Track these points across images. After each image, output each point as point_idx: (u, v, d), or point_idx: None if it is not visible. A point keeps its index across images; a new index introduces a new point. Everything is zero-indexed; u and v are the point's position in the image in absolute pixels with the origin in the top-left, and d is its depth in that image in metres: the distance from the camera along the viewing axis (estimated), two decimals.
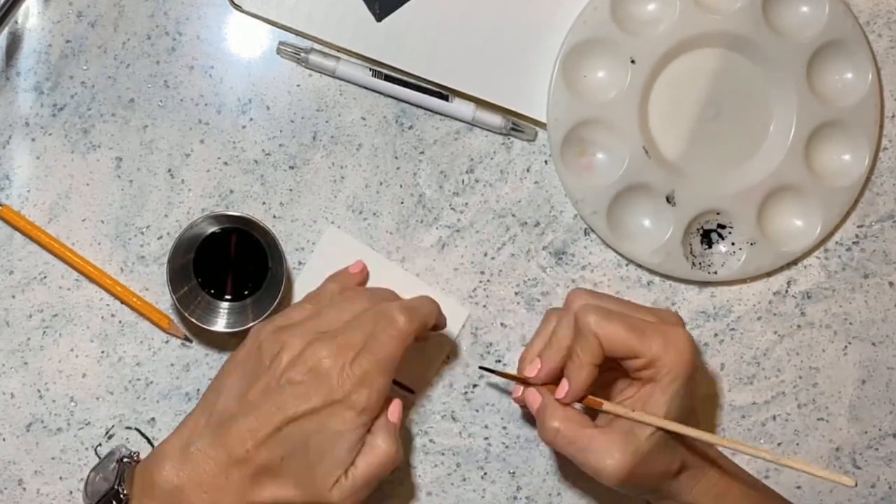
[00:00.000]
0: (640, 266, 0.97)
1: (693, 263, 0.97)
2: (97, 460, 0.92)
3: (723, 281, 0.98)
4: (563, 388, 0.86)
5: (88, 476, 0.87)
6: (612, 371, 0.88)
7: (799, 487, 1.00)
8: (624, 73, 0.95)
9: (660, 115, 0.96)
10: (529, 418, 0.97)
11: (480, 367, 0.92)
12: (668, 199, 0.96)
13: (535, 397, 0.87)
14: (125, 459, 0.86)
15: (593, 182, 0.95)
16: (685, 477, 0.87)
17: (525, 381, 0.88)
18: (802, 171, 0.97)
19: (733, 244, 0.97)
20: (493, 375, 0.94)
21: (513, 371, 0.94)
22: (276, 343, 0.85)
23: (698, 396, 0.89)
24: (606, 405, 0.84)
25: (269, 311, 0.90)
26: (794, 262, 0.99)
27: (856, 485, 0.81)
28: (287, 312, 0.89)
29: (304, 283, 0.95)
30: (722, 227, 0.97)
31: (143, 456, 0.88)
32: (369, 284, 0.95)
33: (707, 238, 0.97)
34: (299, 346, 0.84)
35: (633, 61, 0.95)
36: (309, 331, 0.85)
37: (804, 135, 0.96)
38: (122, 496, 0.83)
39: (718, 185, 0.97)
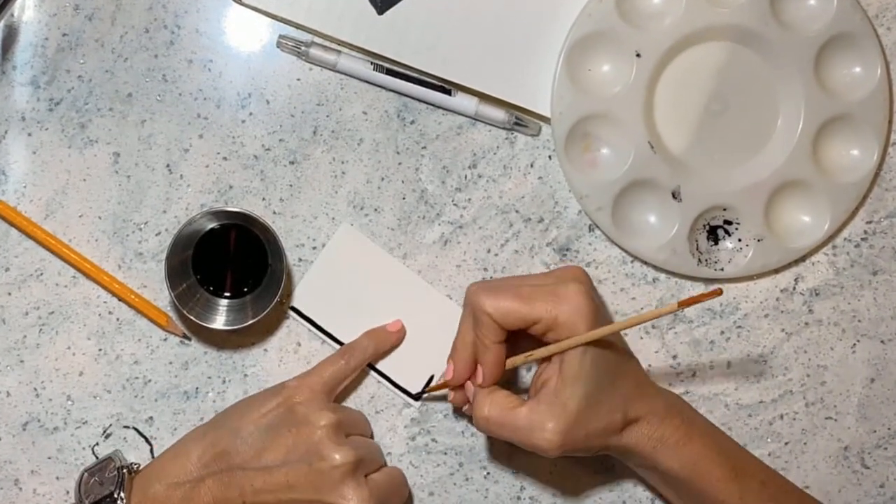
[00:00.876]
0: (645, 263, 0.97)
1: (699, 260, 0.96)
2: (94, 460, 0.93)
3: (729, 278, 0.97)
4: (479, 374, 0.87)
5: (82, 475, 0.88)
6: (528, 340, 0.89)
7: (807, 487, 0.99)
8: (629, 66, 0.94)
9: (665, 109, 0.95)
10: None
11: (416, 397, 0.95)
12: (674, 195, 0.95)
13: (460, 397, 0.90)
14: (125, 469, 0.88)
15: (598, 178, 0.95)
16: (636, 429, 0.88)
17: (448, 386, 0.90)
18: (810, 167, 0.96)
19: (740, 240, 0.97)
20: (430, 396, 0.96)
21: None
22: (312, 413, 0.88)
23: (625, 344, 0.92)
24: (525, 355, 0.86)
25: (268, 309, 0.89)
26: (802, 259, 0.98)
27: (680, 309, 0.82)
28: (321, 371, 0.92)
29: (311, 278, 0.95)
30: (728, 223, 0.97)
31: (143, 463, 0.90)
32: (378, 287, 0.95)
33: (713, 234, 0.97)
34: (328, 434, 0.87)
35: (638, 55, 0.94)
36: (339, 428, 0.88)
37: (812, 129, 0.96)
38: (119, 503, 0.86)
39: (725, 180, 0.96)
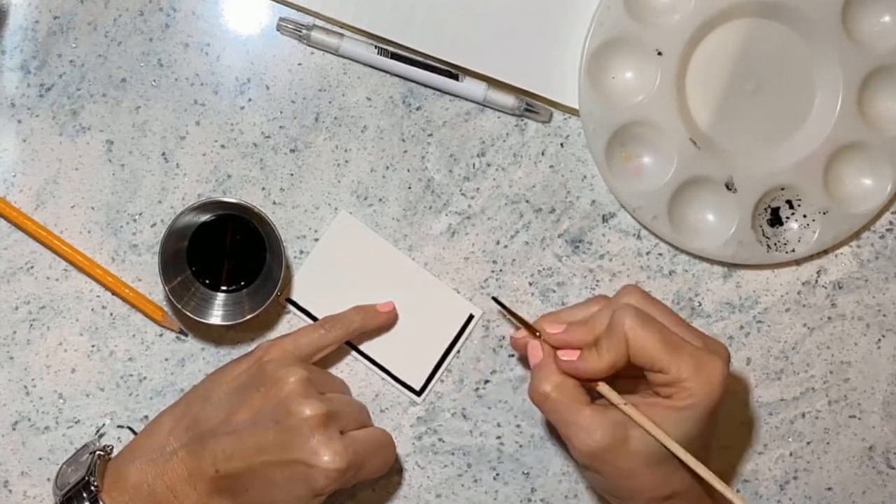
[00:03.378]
0: (715, 262, 0.96)
1: (768, 246, 0.96)
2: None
3: (803, 257, 0.96)
4: (571, 355, 0.83)
5: (60, 468, 0.87)
6: (635, 380, 0.85)
7: (830, 489, 0.99)
8: (653, 67, 0.93)
9: (700, 101, 0.95)
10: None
11: (493, 298, 0.91)
12: (728, 187, 0.95)
13: (537, 351, 0.86)
14: (98, 452, 0.86)
15: (646, 187, 0.94)
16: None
17: (535, 333, 0.86)
18: (860, 126, 0.95)
19: (805, 217, 0.96)
20: (505, 313, 0.92)
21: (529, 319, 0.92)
22: (280, 370, 0.86)
23: (713, 444, 0.88)
24: (620, 399, 0.83)
25: (266, 303, 0.89)
26: (866, 228, 0.98)
27: None
28: (298, 335, 0.90)
29: (309, 270, 0.94)
30: (789, 202, 0.96)
31: (116, 451, 0.89)
32: (379, 275, 0.94)
33: (777, 217, 0.96)
34: (297, 389, 0.85)
35: (659, 53, 0.93)
36: (310, 383, 0.86)
37: (853, 88, 0.94)
38: (92, 487, 0.84)
39: (776, 159, 0.95)
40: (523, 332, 0.87)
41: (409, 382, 0.95)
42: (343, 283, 0.94)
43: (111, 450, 0.88)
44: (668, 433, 0.81)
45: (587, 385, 0.84)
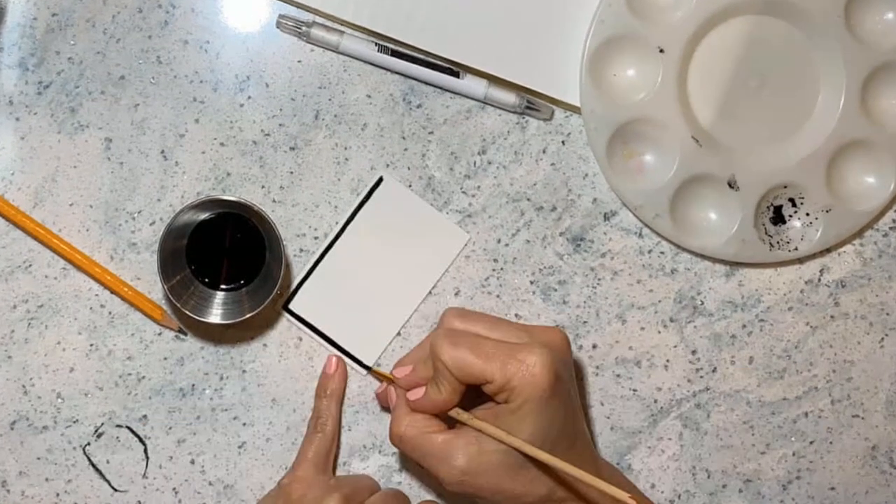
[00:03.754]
0: (717, 260, 0.96)
1: (771, 245, 0.95)
2: (90, 461, 0.93)
3: (806, 255, 0.96)
4: (417, 393, 0.85)
5: None
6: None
7: (833, 489, 0.98)
8: (655, 64, 0.93)
9: (702, 99, 0.94)
10: None
11: (365, 368, 0.95)
12: (731, 185, 0.94)
13: (392, 396, 0.88)
14: None
15: (648, 185, 0.94)
16: None
17: (392, 382, 0.88)
18: (864, 124, 0.94)
19: (808, 215, 0.95)
20: (372, 375, 0.95)
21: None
22: (318, 501, 0.88)
23: (577, 423, 0.86)
24: (469, 416, 0.84)
25: (266, 302, 0.88)
26: (869, 226, 0.98)
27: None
28: (303, 454, 0.93)
29: (353, 235, 0.94)
30: (792, 200, 0.95)
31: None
32: (419, 236, 0.95)
33: (779, 215, 0.96)
34: None
35: (661, 50, 0.93)
36: (348, 501, 0.88)
37: (857, 85, 0.94)
38: None
39: (779, 157, 0.95)
40: (384, 386, 0.90)
41: (360, 357, 0.95)
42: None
43: None
44: (518, 436, 0.81)
45: (445, 415, 0.85)
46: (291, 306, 0.94)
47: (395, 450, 0.95)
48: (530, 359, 0.81)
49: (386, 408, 0.93)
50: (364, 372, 0.95)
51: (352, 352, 0.95)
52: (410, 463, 0.95)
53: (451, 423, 0.85)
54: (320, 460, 0.92)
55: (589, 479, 0.77)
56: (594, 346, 0.95)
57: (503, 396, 0.82)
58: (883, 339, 0.98)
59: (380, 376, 0.92)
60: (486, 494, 0.83)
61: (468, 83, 0.93)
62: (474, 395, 0.84)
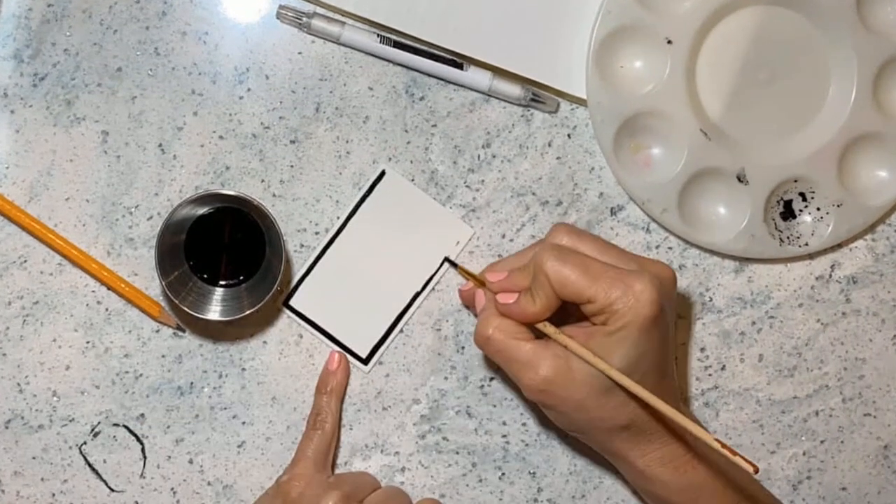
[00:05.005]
0: (726, 256, 0.96)
1: (781, 240, 0.95)
2: (87, 461, 0.93)
3: (817, 251, 0.96)
4: (509, 298, 0.85)
5: None
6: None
7: (844, 489, 0.98)
8: (662, 56, 0.92)
9: (711, 91, 0.94)
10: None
11: (446, 259, 0.94)
12: (740, 179, 0.94)
13: (480, 298, 0.88)
14: None
15: (655, 179, 0.93)
16: (632, 436, 0.85)
17: (482, 284, 0.88)
18: (875, 117, 0.94)
19: (819, 209, 0.95)
20: (456, 270, 0.94)
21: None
22: (313, 501, 0.88)
23: (668, 362, 0.87)
24: (557, 332, 0.84)
25: (266, 298, 0.88)
26: (881, 221, 0.97)
27: (757, 471, 0.77)
28: (302, 451, 0.93)
29: (355, 230, 0.94)
30: (803, 194, 0.95)
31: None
32: (422, 230, 0.94)
33: (790, 210, 0.95)
34: None
35: (669, 42, 0.92)
36: (348, 499, 0.88)
37: (869, 77, 0.93)
38: None
39: (789, 150, 0.94)
40: (469, 285, 0.90)
41: (357, 351, 0.95)
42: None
43: None
44: (608, 359, 0.81)
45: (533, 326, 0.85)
46: (292, 303, 0.93)
47: (398, 449, 0.95)
48: (638, 286, 0.81)
49: (467, 306, 0.94)
50: (366, 369, 0.94)
51: (353, 349, 0.94)
52: (412, 462, 0.95)
53: (539, 336, 0.85)
54: (319, 458, 0.92)
55: (674, 414, 0.79)
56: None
57: (602, 318, 0.82)
58: (895, 336, 0.97)
59: (467, 275, 0.91)
60: (567, 409, 0.84)
61: (472, 75, 0.93)
62: (563, 313, 0.85)
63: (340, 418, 0.94)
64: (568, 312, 0.85)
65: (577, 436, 0.88)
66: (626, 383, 0.80)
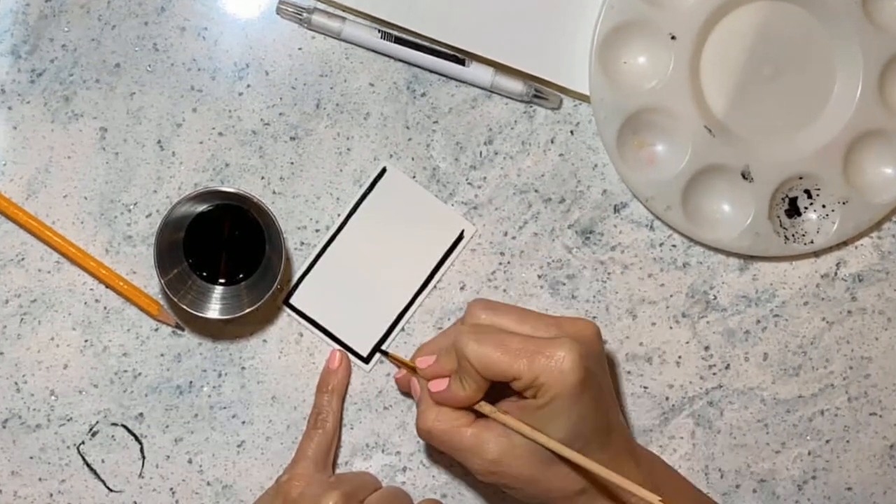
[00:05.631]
0: (730, 254, 0.95)
1: (786, 238, 0.94)
2: (85, 461, 0.93)
3: (822, 249, 0.95)
4: (440, 385, 0.85)
5: None
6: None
7: (850, 489, 0.98)
8: (666, 51, 0.92)
9: (715, 87, 0.93)
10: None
11: (380, 351, 0.94)
12: (744, 176, 0.93)
13: (416, 387, 0.88)
14: None
15: (659, 176, 0.93)
16: (591, 499, 0.84)
17: (414, 371, 0.87)
18: (881, 113, 0.93)
19: (824, 207, 0.94)
20: (388, 359, 0.94)
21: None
22: (314, 500, 0.87)
23: (611, 416, 0.85)
24: (493, 410, 0.83)
25: (266, 297, 0.88)
26: (887, 218, 0.97)
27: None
28: (302, 451, 0.92)
29: (356, 227, 0.93)
30: (808, 192, 0.94)
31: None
32: (424, 227, 0.94)
33: (794, 207, 0.95)
34: None
35: (672, 37, 0.92)
36: (349, 499, 0.87)
37: (874, 73, 0.93)
38: None
39: (794, 147, 0.94)
40: (403, 372, 0.90)
41: (357, 349, 0.94)
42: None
43: None
44: (549, 433, 0.80)
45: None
46: (292, 301, 0.93)
47: (399, 449, 0.94)
48: (558, 354, 0.80)
49: (405, 392, 0.93)
50: (367, 368, 0.94)
51: (354, 347, 0.93)
52: (414, 462, 0.94)
53: (480, 415, 0.84)
54: (320, 457, 0.91)
55: (619, 480, 0.78)
56: (604, 342, 0.93)
57: (531, 392, 0.81)
58: None
59: (399, 363, 0.90)
60: (519, 485, 0.83)
61: (474, 71, 0.92)
62: (500, 386, 0.83)
63: (341, 417, 0.93)
64: (506, 384, 0.83)
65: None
66: (567, 454, 0.79)
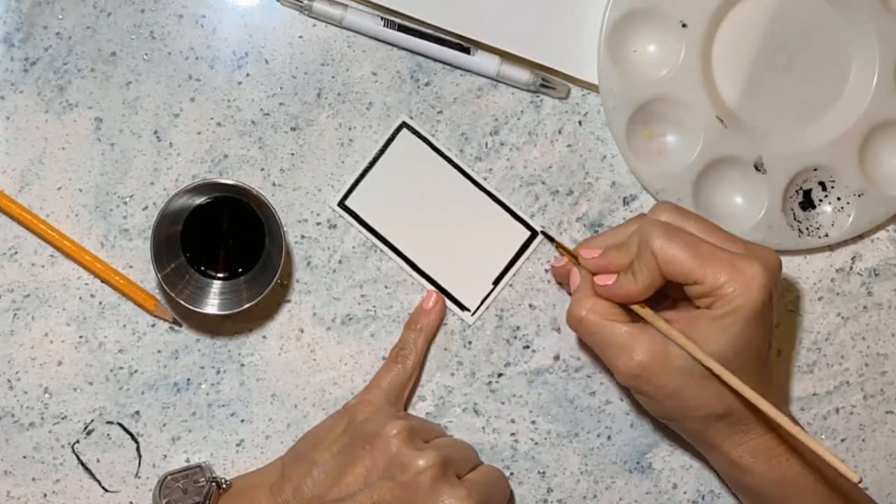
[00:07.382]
0: None
1: (800, 231, 0.94)
2: (80, 460, 0.92)
3: (837, 242, 0.95)
4: (607, 279, 0.85)
5: (165, 477, 0.89)
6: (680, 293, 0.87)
7: (865, 489, 0.97)
8: (677, 40, 0.92)
9: (727, 77, 0.93)
10: (561, 402, 0.95)
11: (542, 233, 0.93)
12: (757, 167, 0.93)
13: (575, 277, 0.88)
14: (215, 483, 0.89)
15: (670, 167, 0.93)
16: (727, 426, 0.85)
17: (576, 261, 0.88)
18: None
19: (839, 199, 0.94)
20: (552, 244, 0.94)
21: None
22: (379, 426, 0.86)
23: (768, 351, 0.86)
24: (655, 316, 0.84)
25: (266, 291, 0.87)
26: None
27: (860, 481, 0.79)
28: (377, 382, 0.92)
29: (368, 187, 0.93)
30: (822, 184, 0.94)
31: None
32: (439, 197, 0.94)
33: (809, 199, 0.95)
34: (404, 441, 0.85)
35: (684, 25, 0.92)
36: (414, 433, 0.86)
37: (891, 61, 0.93)
38: None
39: (809, 138, 0.93)
40: (564, 261, 0.90)
41: (463, 302, 0.94)
42: (402, 199, 0.94)
43: (227, 484, 0.89)
44: (712, 345, 0.81)
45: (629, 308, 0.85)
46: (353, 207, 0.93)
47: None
48: (749, 271, 0.81)
49: (560, 282, 0.94)
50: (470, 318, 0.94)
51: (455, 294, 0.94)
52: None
53: (635, 318, 0.85)
54: (392, 392, 0.91)
55: (773, 411, 0.78)
56: None
57: (707, 301, 0.82)
58: None
59: (565, 252, 0.90)
60: (661, 396, 0.84)
61: (479, 60, 0.92)
62: (657, 296, 0.85)
63: (424, 360, 0.93)
64: (662, 296, 0.84)
65: (668, 423, 0.88)
66: (726, 376, 0.80)
